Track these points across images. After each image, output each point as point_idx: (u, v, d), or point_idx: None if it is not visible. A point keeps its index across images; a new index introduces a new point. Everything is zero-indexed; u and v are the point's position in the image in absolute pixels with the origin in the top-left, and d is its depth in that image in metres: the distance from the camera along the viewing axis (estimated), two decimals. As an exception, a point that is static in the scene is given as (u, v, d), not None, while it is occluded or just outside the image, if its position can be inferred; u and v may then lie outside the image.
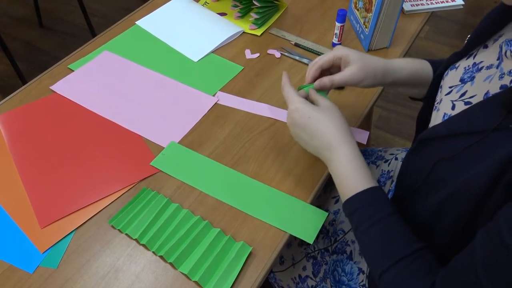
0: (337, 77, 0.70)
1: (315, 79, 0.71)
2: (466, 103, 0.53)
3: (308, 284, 0.79)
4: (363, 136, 0.79)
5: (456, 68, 0.60)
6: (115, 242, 0.66)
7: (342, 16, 0.91)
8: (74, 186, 0.72)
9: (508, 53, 0.50)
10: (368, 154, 0.94)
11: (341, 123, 0.64)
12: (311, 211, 0.68)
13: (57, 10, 2.51)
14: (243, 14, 1.05)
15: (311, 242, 0.64)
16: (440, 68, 0.65)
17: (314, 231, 0.66)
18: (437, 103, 0.61)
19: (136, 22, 1.04)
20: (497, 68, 0.51)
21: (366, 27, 0.93)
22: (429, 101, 0.69)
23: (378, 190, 0.59)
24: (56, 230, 0.67)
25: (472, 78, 0.55)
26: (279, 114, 0.83)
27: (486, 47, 0.57)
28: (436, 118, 0.58)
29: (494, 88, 0.50)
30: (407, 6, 1.07)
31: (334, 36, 0.96)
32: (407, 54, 0.97)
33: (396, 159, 0.87)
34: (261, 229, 0.67)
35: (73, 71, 0.92)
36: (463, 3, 1.10)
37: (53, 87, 0.88)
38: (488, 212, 0.44)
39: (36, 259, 0.64)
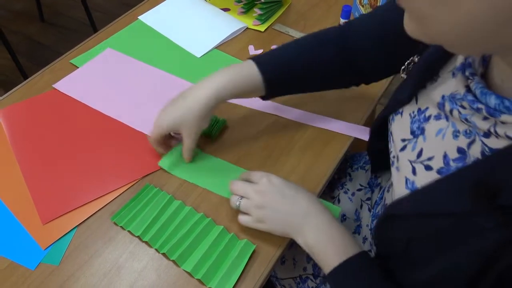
0: (185, 148, 0.70)
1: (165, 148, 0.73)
2: (426, 168, 0.48)
3: (308, 285, 0.79)
4: (364, 133, 0.79)
5: (401, 114, 0.55)
6: (117, 239, 0.65)
7: (346, 12, 0.90)
8: (76, 182, 0.72)
9: (456, 113, 0.44)
10: (356, 159, 0.91)
11: (312, 195, 0.63)
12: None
13: (58, 5, 2.50)
14: (247, 10, 1.04)
15: None
16: (381, 112, 0.61)
17: None
18: (394, 158, 0.56)
19: (138, 17, 1.03)
20: (447, 120, 0.46)
21: (371, 24, 0.92)
22: (377, 135, 0.67)
23: (364, 256, 0.56)
24: (58, 226, 0.66)
25: (422, 131, 0.50)
26: (282, 111, 0.82)
27: (425, 87, 0.52)
28: (399, 182, 0.52)
29: (450, 150, 0.45)
30: (412, 3, 1.05)
31: (339, 33, 0.95)
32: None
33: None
34: (265, 227, 0.66)
35: (75, 66, 0.92)
36: None
37: (55, 85, 0.87)
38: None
39: (38, 255, 0.63)
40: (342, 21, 0.92)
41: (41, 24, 2.37)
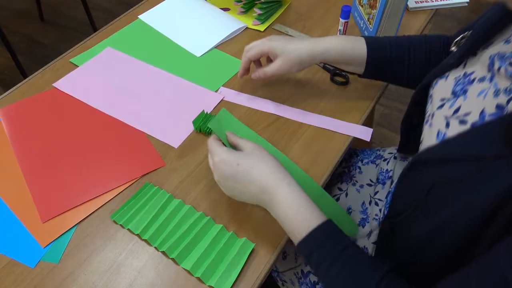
0: (267, 70, 0.77)
1: (247, 70, 0.82)
2: (460, 122, 0.50)
3: (310, 279, 0.79)
4: (366, 133, 0.79)
5: (446, 78, 0.58)
6: (117, 237, 0.66)
7: (346, 13, 0.90)
8: (76, 180, 0.72)
9: (502, 70, 0.48)
10: (367, 153, 0.93)
11: (272, 161, 0.60)
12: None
13: (58, 4, 2.50)
14: (247, 10, 1.04)
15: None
16: (428, 77, 0.63)
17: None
18: (429, 116, 0.58)
19: (138, 16, 1.03)
20: (490, 82, 0.50)
21: (370, 24, 0.93)
22: (415, 106, 0.68)
23: (329, 223, 0.56)
24: (57, 224, 0.67)
25: (464, 92, 0.53)
26: (282, 110, 0.82)
27: (475, 54, 0.55)
28: (430, 135, 0.55)
29: (489, 106, 0.48)
30: (411, 3, 1.06)
31: (338, 33, 0.95)
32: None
33: (395, 158, 0.87)
34: (264, 225, 0.66)
35: (75, 65, 0.92)
36: (467, 0, 1.09)
37: (55, 84, 0.87)
38: (484, 243, 0.43)
39: (38, 253, 0.64)
40: (341, 21, 0.92)
41: (41, 24, 2.37)
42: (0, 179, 0.72)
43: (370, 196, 0.84)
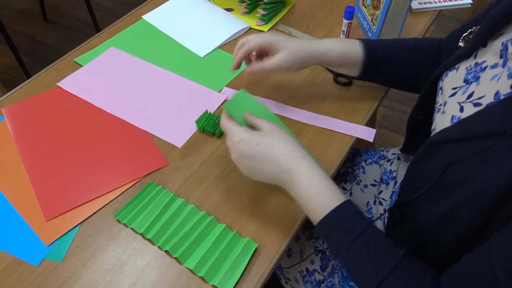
0: (267, 65, 0.74)
1: (240, 61, 0.77)
2: (475, 105, 0.52)
3: (315, 278, 0.79)
4: (369, 134, 0.79)
5: (457, 69, 0.59)
6: (120, 236, 0.66)
7: (349, 13, 0.91)
8: (79, 179, 0.72)
9: None
10: (371, 153, 0.94)
11: (292, 142, 0.60)
12: None
13: (61, 4, 2.51)
14: (250, 10, 1.05)
15: None
16: (439, 69, 0.64)
17: None
18: (441, 106, 0.59)
19: (142, 17, 1.04)
20: (503, 67, 0.50)
21: (373, 25, 0.93)
22: (423, 102, 0.68)
23: (349, 204, 0.56)
24: (61, 223, 0.67)
25: (477, 78, 0.54)
26: (286, 111, 0.82)
27: (485, 45, 0.56)
28: (443, 121, 0.56)
29: (504, 88, 0.49)
30: (415, 4, 1.06)
31: (342, 33, 0.96)
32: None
33: (399, 158, 0.87)
34: (267, 225, 0.66)
35: (79, 64, 0.92)
36: (471, 1, 1.09)
37: (59, 84, 0.87)
38: (504, 216, 0.43)
39: (41, 252, 0.64)
40: (345, 22, 0.92)
41: (44, 24, 2.38)
42: (5, 178, 0.73)
43: (375, 195, 0.84)
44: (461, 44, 0.64)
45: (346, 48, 0.75)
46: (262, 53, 0.78)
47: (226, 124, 0.63)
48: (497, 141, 0.45)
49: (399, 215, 0.61)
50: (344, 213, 0.55)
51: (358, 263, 0.53)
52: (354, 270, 0.54)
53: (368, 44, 0.75)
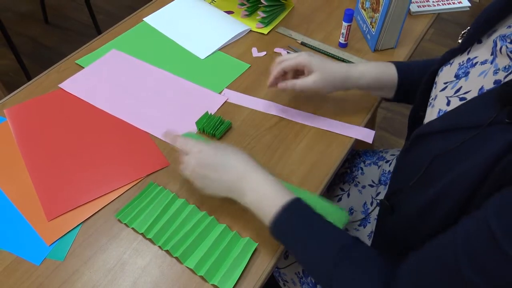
0: (300, 83, 0.75)
1: (276, 80, 0.78)
2: (461, 99, 0.53)
3: (311, 279, 0.80)
4: (369, 135, 0.80)
5: (451, 64, 0.61)
6: (121, 235, 0.66)
7: (349, 16, 0.91)
8: (81, 180, 0.73)
9: (504, 49, 0.50)
10: (370, 155, 0.94)
11: (245, 154, 0.65)
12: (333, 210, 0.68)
13: (63, 7, 2.52)
14: (250, 13, 1.06)
15: None
16: (435, 65, 0.65)
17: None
18: (432, 100, 0.61)
19: (143, 19, 1.05)
20: (491, 63, 0.52)
21: (373, 27, 0.94)
22: (423, 98, 0.69)
23: (297, 200, 0.59)
24: (63, 223, 0.67)
25: (466, 74, 0.55)
26: (285, 112, 0.83)
27: (480, 42, 0.57)
28: (431, 114, 0.59)
29: (488, 83, 0.50)
30: (413, 7, 1.07)
31: (341, 36, 0.96)
32: (412, 55, 0.97)
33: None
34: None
35: (80, 66, 0.93)
36: (469, 5, 1.10)
37: (61, 85, 0.88)
38: (479, 202, 0.44)
39: (43, 251, 0.64)
40: (344, 24, 0.93)
41: (45, 26, 2.39)
42: (7, 179, 0.73)
43: (372, 197, 0.84)
44: (459, 41, 0.65)
45: (381, 71, 0.76)
46: (298, 72, 0.79)
47: (183, 140, 0.67)
48: (474, 133, 0.47)
49: (388, 207, 0.62)
50: (293, 208, 0.58)
51: (311, 255, 0.56)
52: (310, 261, 0.57)
53: (402, 66, 0.76)
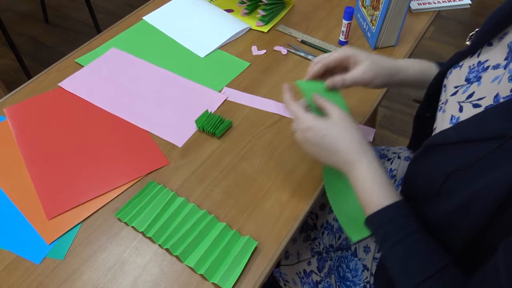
0: (348, 77, 0.68)
1: (316, 77, 0.70)
2: (474, 106, 0.52)
3: (312, 279, 0.80)
4: (369, 133, 0.79)
5: (460, 67, 0.59)
6: (121, 234, 0.66)
7: (349, 14, 0.91)
8: (81, 178, 0.73)
9: None
10: (378, 151, 0.94)
11: (357, 135, 0.61)
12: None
13: (63, 6, 2.52)
14: (250, 11, 1.05)
15: (354, 241, 0.64)
16: (443, 67, 0.64)
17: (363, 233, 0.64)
18: (442, 104, 0.59)
19: (143, 18, 1.04)
20: (505, 68, 0.50)
21: (373, 25, 0.93)
22: (429, 99, 0.69)
23: (402, 205, 0.56)
24: (63, 222, 0.67)
25: (478, 78, 0.54)
26: (285, 110, 0.83)
27: (490, 44, 0.56)
28: (443, 121, 0.56)
29: (504, 90, 0.49)
30: (414, 5, 1.07)
31: (341, 34, 0.96)
32: (412, 53, 0.97)
33: (399, 157, 0.87)
34: (267, 224, 0.67)
35: (80, 65, 0.93)
36: (470, 2, 1.09)
37: (61, 84, 0.88)
38: (506, 223, 0.43)
39: (43, 250, 0.64)
40: (344, 22, 0.93)
41: (46, 26, 2.39)
42: (7, 177, 0.73)
43: None
44: (467, 43, 0.64)
45: (423, 68, 0.72)
46: (340, 69, 0.72)
47: (293, 108, 0.64)
48: (495, 145, 0.45)
49: None
50: (394, 213, 0.56)
51: (400, 264, 0.53)
52: (394, 269, 0.54)
53: (442, 66, 0.72)
